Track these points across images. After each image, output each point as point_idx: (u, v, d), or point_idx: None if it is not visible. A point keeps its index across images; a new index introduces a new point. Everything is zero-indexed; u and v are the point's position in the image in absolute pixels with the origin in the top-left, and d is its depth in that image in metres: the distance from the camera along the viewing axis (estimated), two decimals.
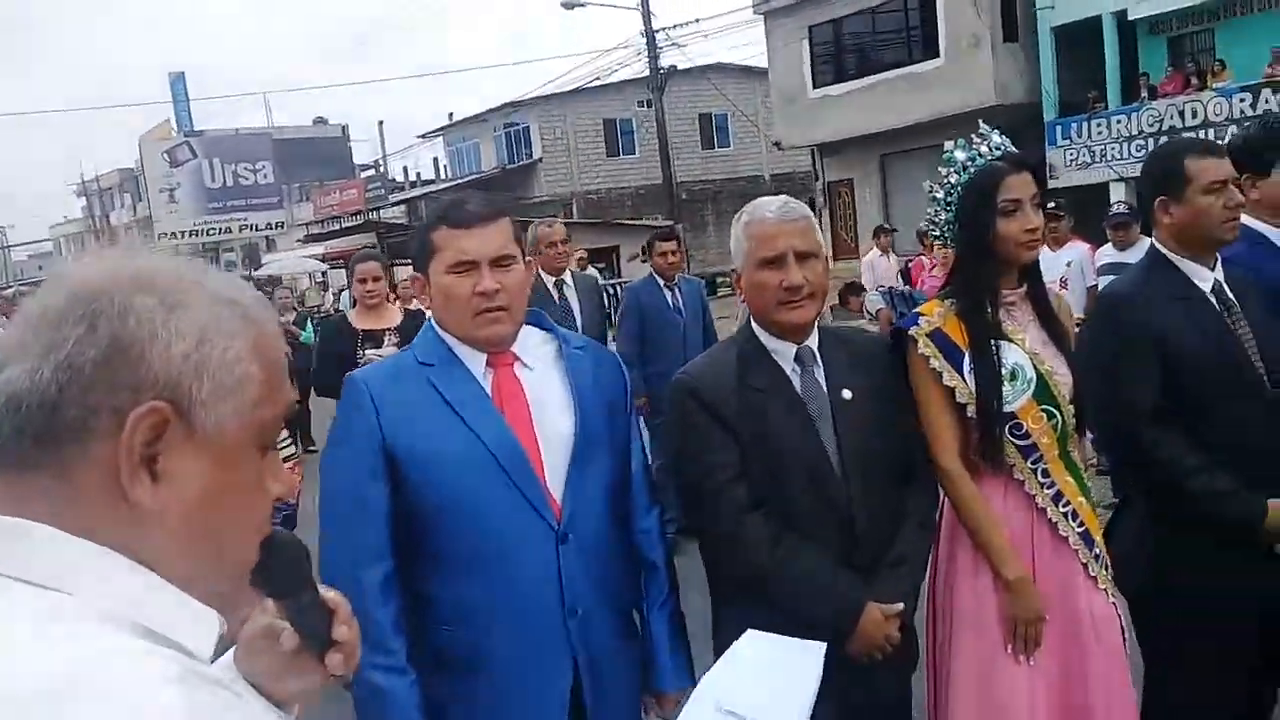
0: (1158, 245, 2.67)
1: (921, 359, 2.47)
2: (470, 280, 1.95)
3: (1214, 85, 17.46)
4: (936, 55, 20.54)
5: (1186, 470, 2.45)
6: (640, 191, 30.17)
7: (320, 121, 44.54)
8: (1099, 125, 18.61)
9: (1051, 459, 2.44)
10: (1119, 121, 18.36)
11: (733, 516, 2.22)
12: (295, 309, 13.07)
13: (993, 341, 2.44)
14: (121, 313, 0.82)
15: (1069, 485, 2.45)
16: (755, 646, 1.30)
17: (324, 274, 30.07)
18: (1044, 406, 2.43)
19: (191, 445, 0.83)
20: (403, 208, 33.75)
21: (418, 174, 40.20)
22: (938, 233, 2.64)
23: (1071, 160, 18.89)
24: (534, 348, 2.10)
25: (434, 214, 2.07)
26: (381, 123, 43.12)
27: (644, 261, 8.97)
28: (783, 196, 2.36)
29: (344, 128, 44.28)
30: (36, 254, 66.70)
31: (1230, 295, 2.57)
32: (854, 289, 9.85)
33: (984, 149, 2.52)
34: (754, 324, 2.35)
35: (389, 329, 5.40)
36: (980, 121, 2.65)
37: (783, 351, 2.30)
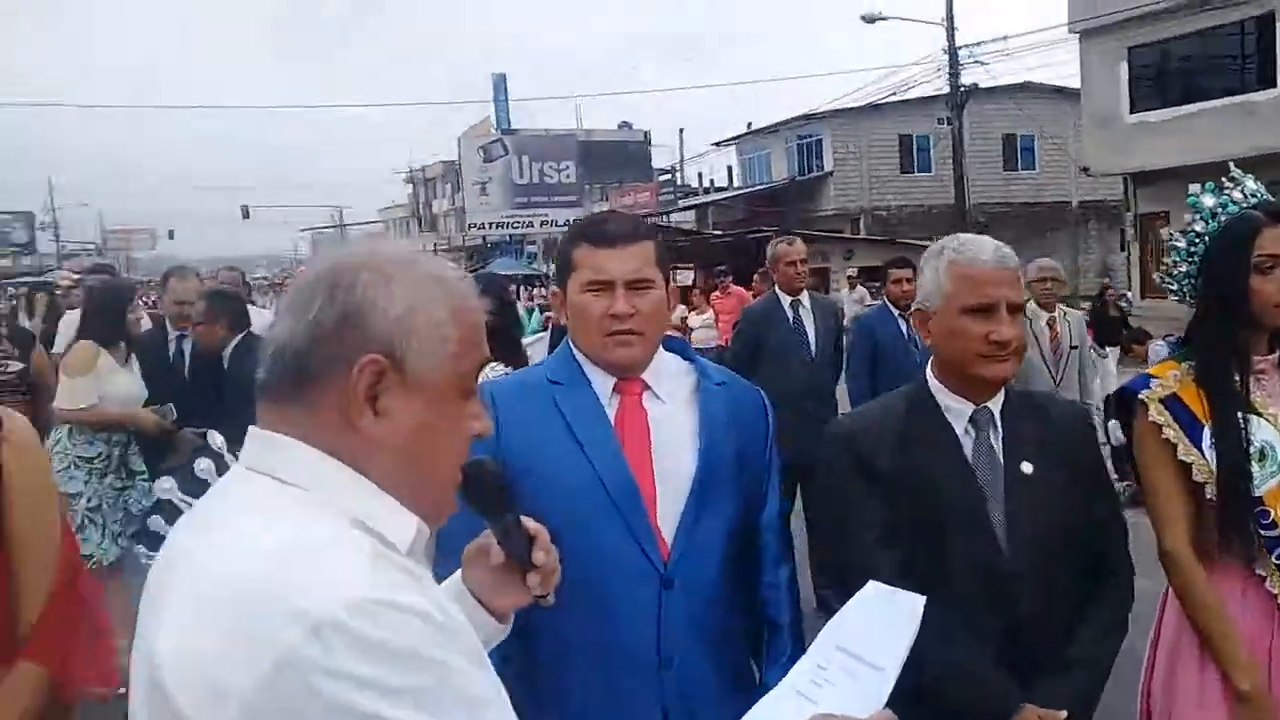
0: None
1: (1152, 427, 2.18)
2: (605, 301, 1.88)
3: None
4: (1273, 85, 18.36)
5: None
6: (931, 210, 28.94)
7: (625, 126, 46.35)
8: None
9: None
10: None
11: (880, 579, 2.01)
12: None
13: (1240, 414, 2.11)
14: (350, 286, 1.05)
15: None
16: (875, 593, 1.41)
17: None
18: None
19: (404, 388, 1.05)
20: (692, 213, 34.44)
21: (711, 180, 40.91)
22: (1174, 286, 2.29)
23: None
24: (669, 378, 2.00)
25: (575, 230, 2.03)
26: (682, 130, 44.44)
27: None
28: (994, 241, 2.11)
29: (646, 133, 45.82)
30: (369, 234, 74.02)
31: None
32: (1139, 335, 8.91)
33: (1236, 194, 2.17)
34: (931, 374, 2.13)
35: None
36: (1232, 165, 2.28)
37: (958, 410, 2.07)
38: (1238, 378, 2.14)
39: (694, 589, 1.87)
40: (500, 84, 41.17)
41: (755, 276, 13.19)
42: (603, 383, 1.94)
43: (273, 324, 1.11)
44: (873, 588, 1.42)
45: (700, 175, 42.39)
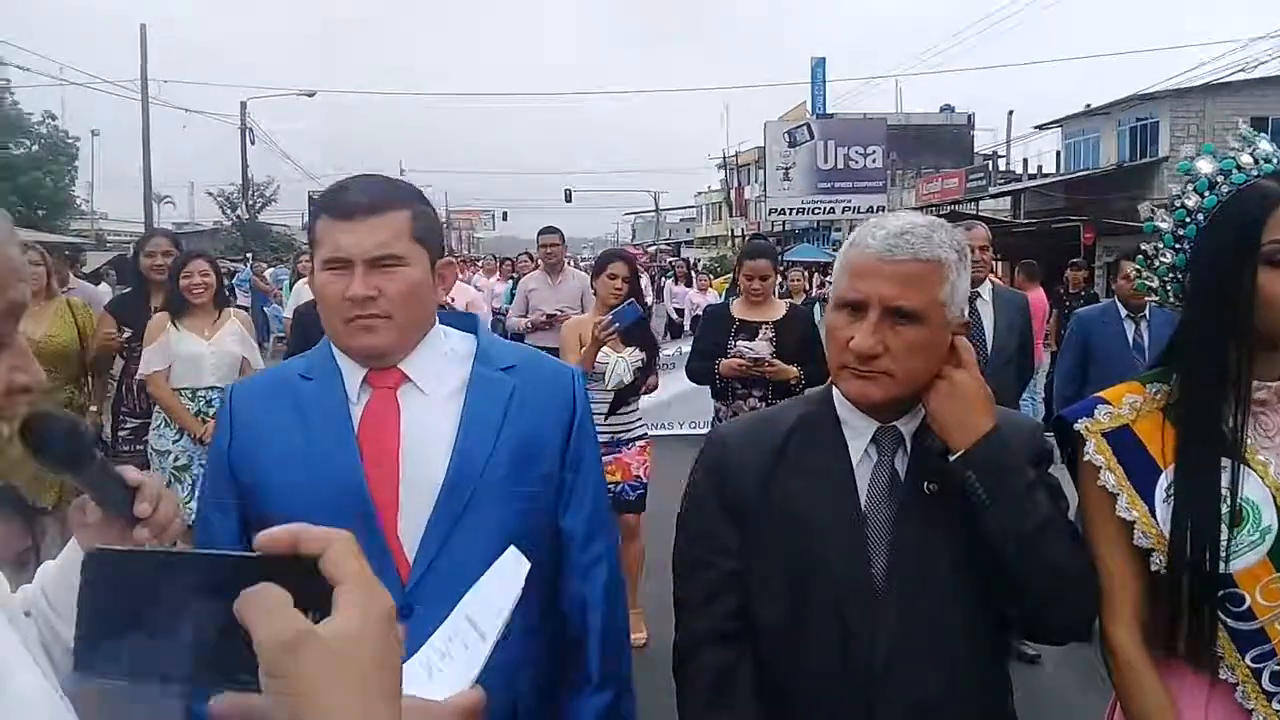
0: None
1: (1090, 469, 1.66)
2: (344, 281, 1.64)
3: None
4: None
5: None
6: None
7: (947, 109, 44.16)
8: None
9: None
10: None
11: (695, 638, 1.69)
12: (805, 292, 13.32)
13: (1218, 459, 1.55)
14: None
15: None
16: (510, 556, 1.27)
17: None
18: None
19: None
20: (1007, 200, 32.19)
21: (1039, 166, 38.05)
22: (1154, 283, 1.75)
23: None
24: (440, 366, 1.73)
25: (318, 199, 1.80)
26: (1011, 113, 41.55)
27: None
28: (909, 223, 1.62)
29: (970, 116, 43.39)
30: (685, 218, 75.91)
31: None
32: None
33: (1244, 159, 1.60)
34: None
35: (767, 323, 5.15)
36: (1242, 123, 1.69)
37: (858, 428, 1.66)
38: (1233, 409, 1.55)
39: (445, 613, 1.63)
40: (819, 68, 40.59)
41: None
42: (352, 374, 1.72)
43: None
44: (511, 552, 1.25)
45: (1025, 161, 39.51)
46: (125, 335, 5.21)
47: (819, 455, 1.66)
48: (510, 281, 13.30)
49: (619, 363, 4.92)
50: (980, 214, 28.55)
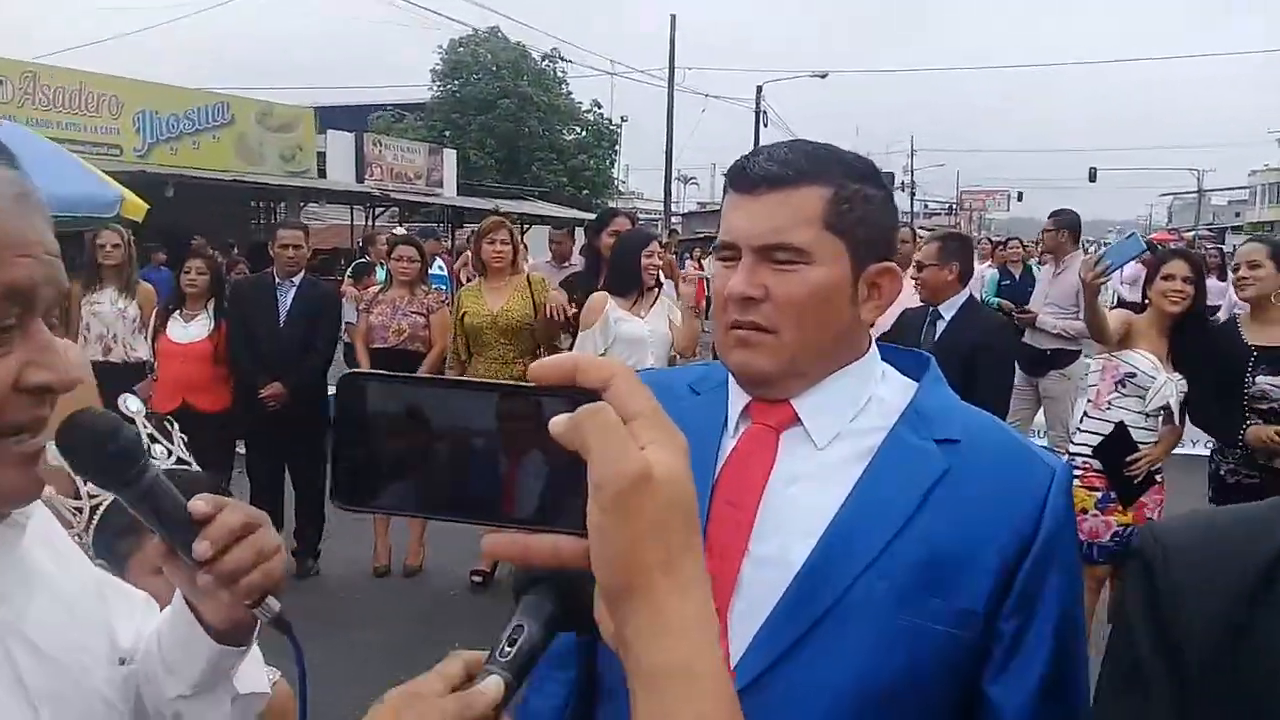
0: None
1: None
2: (731, 275, 1.26)
3: None
4: None
5: None
6: None
7: None
8: None
9: None
10: None
11: None
12: None
13: None
14: None
15: None
16: None
17: None
18: None
19: None
20: None
21: None
22: None
23: None
24: (851, 412, 1.26)
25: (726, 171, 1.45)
26: None
27: None
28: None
29: None
30: (1234, 200, 65.82)
31: None
32: None
33: None
34: None
35: None
36: None
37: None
38: None
39: None
40: None
41: None
42: (737, 398, 1.32)
43: None
44: None
45: None
46: (573, 312, 5.43)
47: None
48: (999, 267, 12.17)
49: (1166, 384, 4.05)
50: None
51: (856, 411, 1.26)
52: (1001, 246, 13.00)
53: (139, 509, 0.93)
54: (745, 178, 1.25)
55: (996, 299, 11.13)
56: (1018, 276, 11.35)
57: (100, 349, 5.99)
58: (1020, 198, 65.40)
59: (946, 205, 66.18)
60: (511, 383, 0.62)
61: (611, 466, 0.57)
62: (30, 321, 0.83)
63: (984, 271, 13.72)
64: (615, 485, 0.57)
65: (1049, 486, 1.20)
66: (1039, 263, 11.38)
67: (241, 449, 5.97)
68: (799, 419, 1.25)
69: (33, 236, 0.84)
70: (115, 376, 5.76)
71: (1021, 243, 13.08)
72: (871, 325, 1.31)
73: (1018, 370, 5.62)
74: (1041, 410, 7.27)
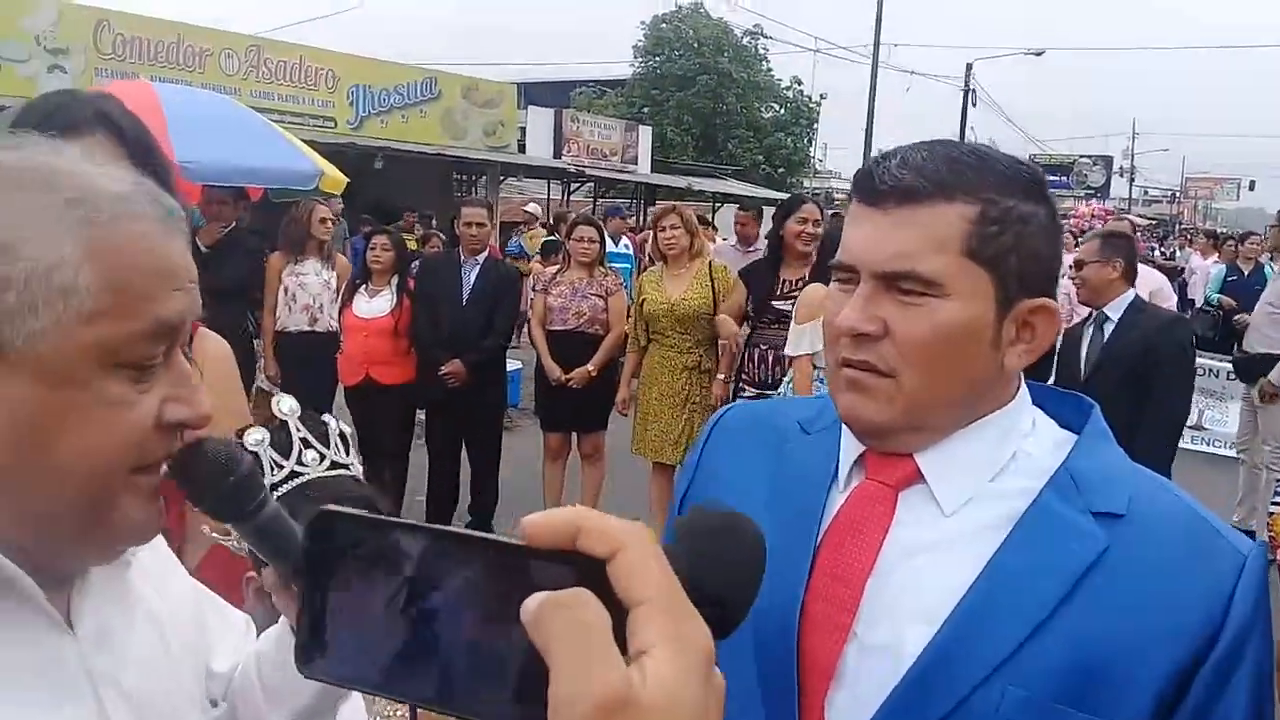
0: None
1: None
2: (845, 302, 1.06)
3: None
4: None
5: None
6: None
7: None
8: None
9: None
10: None
11: None
12: None
13: None
14: None
15: None
16: None
17: None
18: None
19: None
20: None
21: None
22: None
23: None
24: (989, 472, 1.05)
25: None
26: None
27: None
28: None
29: None
30: None
31: None
32: None
33: None
34: None
35: None
36: None
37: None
38: None
39: None
40: None
41: None
42: (850, 445, 1.12)
43: None
44: None
45: None
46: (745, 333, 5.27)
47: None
48: (1228, 263, 11.18)
49: None
50: None
51: (996, 471, 1.04)
52: (1239, 241, 11.93)
53: (254, 542, 0.92)
54: (871, 186, 1.04)
55: (1218, 295, 10.30)
56: (1246, 274, 10.41)
57: (307, 319, 6.22)
58: (1252, 187, 59.63)
59: (1169, 193, 61.29)
60: (503, 539, 0.49)
61: (573, 684, 0.43)
62: (173, 353, 0.81)
63: (1209, 267, 12.66)
64: (575, 710, 0.43)
65: (1237, 577, 0.96)
66: (1271, 260, 10.42)
67: (422, 415, 6.14)
68: (923, 476, 1.05)
69: (181, 263, 0.80)
70: (320, 346, 6.04)
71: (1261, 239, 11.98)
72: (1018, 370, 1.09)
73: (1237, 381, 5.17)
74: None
